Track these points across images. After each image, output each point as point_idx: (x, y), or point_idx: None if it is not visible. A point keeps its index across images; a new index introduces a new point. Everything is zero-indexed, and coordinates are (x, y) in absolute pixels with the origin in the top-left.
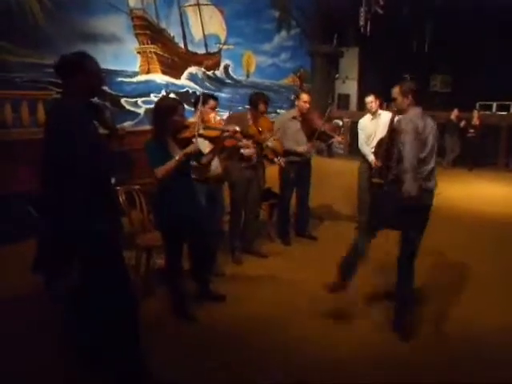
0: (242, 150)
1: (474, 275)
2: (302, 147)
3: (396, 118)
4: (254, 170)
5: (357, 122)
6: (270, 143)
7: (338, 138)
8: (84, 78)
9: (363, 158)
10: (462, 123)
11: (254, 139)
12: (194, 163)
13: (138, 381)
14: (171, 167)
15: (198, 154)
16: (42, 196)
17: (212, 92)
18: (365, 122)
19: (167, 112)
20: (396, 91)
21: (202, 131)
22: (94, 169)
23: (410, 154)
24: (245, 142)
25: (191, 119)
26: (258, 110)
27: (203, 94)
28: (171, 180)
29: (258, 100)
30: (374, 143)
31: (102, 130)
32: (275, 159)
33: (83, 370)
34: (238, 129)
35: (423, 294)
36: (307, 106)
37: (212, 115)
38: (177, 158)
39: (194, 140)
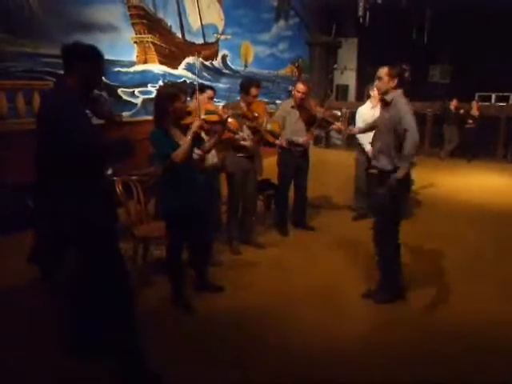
0: (241, 142)
1: (472, 264)
2: (302, 138)
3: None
4: (251, 160)
5: (355, 113)
6: (268, 126)
7: (338, 125)
8: (88, 70)
9: (360, 148)
10: (461, 111)
11: (252, 124)
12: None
13: (138, 376)
14: (187, 148)
15: (201, 141)
16: (38, 187)
17: (209, 82)
18: (364, 110)
19: (169, 99)
20: (384, 71)
21: (203, 116)
22: (93, 157)
23: (415, 135)
24: (241, 134)
25: (191, 106)
26: (251, 95)
27: (199, 83)
28: (175, 169)
29: (250, 85)
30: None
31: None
32: (276, 141)
33: (82, 367)
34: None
35: (419, 282)
36: (300, 95)
37: (210, 105)
38: (188, 137)
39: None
